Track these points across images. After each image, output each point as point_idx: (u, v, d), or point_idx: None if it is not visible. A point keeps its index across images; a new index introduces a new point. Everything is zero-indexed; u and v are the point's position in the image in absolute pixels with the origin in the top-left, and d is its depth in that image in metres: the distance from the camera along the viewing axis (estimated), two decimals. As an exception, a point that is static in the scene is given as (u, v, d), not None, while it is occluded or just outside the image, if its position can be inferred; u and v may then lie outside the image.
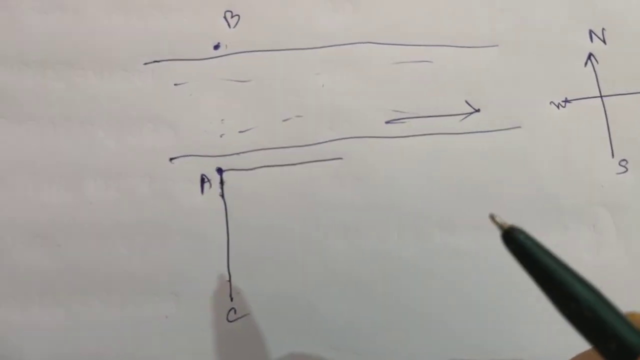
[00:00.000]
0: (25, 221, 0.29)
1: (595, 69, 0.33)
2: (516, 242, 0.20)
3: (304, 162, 0.30)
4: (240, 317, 0.29)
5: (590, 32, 0.33)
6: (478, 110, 0.32)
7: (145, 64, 0.30)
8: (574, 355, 0.23)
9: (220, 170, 0.30)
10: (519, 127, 0.32)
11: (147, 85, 0.30)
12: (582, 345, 0.19)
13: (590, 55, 0.33)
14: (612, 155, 0.33)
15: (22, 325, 0.28)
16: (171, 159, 0.30)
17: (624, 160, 0.33)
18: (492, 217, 0.21)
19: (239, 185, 0.30)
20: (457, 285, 0.30)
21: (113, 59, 0.30)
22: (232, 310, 0.29)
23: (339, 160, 0.31)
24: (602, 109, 0.33)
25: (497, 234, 0.29)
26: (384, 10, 0.32)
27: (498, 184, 0.32)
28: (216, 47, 0.31)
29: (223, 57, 0.31)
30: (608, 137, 0.33)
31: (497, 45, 0.33)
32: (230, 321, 0.29)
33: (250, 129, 0.30)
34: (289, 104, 0.31)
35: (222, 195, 0.30)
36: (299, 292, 0.30)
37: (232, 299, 0.29)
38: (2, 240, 0.28)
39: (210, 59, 0.30)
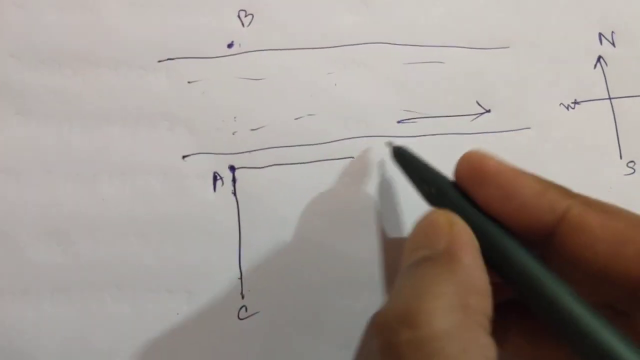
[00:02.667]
0: (40, 218, 0.29)
1: (605, 72, 0.33)
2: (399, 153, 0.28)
3: (316, 160, 0.31)
4: (251, 315, 0.29)
5: (600, 35, 0.34)
6: (489, 111, 0.32)
7: (160, 61, 0.30)
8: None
9: (232, 168, 0.30)
10: (529, 127, 0.32)
11: (161, 82, 0.30)
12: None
13: (599, 57, 0.34)
14: (620, 156, 0.33)
15: (35, 321, 0.28)
16: (184, 157, 0.30)
17: (632, 161, 0.33)
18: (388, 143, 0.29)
19: (251, 183, 0.30)
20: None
21: (128, 56, 0.30)
22: (244, 308, 0.29)
23: (351, 159, 0.31)
24: (611, 110, 0.33)
25: None
26: (397, 10, 0.32)
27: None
28: (230, 45, 0.31)
29: (236, 56, 0.31)
30: (616, 139, 0.33)
31: (508, 47, 0.33)
32: (242, 319, 0.29)
33: (262, 127, 0.30)
34: (301, 103, 0.31)
35: (234, 193, 0.30)
36: (311, 290, 0.30)
37: (243, 297, 0.29)
38: (16, 237, 0.28)
39: (224, 57, 0.31)
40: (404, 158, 0.28)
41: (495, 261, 0.20)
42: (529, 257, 0.20)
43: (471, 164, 0.22)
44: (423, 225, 0.21)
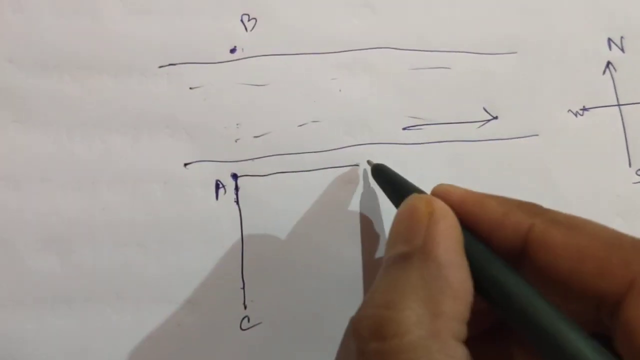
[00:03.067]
0: (39, 226, 0.28)
1: (614, 77, 0.33)
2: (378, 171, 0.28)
3: (320, 168, 0.30)
4: (253, 326, 0.29)
5: (609, 40, 0.33)
6: (496, 118, 0.32)
7: (161, 67, 0.30)
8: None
9: (235, 176, 0.30)
10: (537, 134, 0.32)
11: (162, 89, 0.29)
12: None
13: (608, 63, 0.33)
14: (629, 164, 0.33)
15: (34, 330, 0.28)
16: (186, 164, 0.29)
17: (640, 169, 0.33)
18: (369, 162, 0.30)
19: (254, 191, 0.29)
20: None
21: (129, 62, 0.29)
22: (246, 319, 0.29)
23: (355, 167, 0.30)
24: (620, 117, 0.33)
25: None
26: (402, 15, 0.32)
27: (514, 192, 0.31)
28: (232, 50, 0.30)
29: (239, 61, 0.30)
30: (625, 146, 0.33)
31: (515, 53, 0.32)
32: (244, 329, 0.29)
33: (265, 134, 0.30)
34: (305, 109, 0.30)
35: (237, 202, 0.29)
36: (314, 300, 0.29)
37: (245, 307, 0.29)
38: (16, 245, 0.28)
39: (227, 63, 0.30)
40: (383, 176, 0.28)
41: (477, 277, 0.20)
42: (507, 271, 0.20)
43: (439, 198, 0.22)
44: (402, 214, 0.21)
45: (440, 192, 0.22)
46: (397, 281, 0.19)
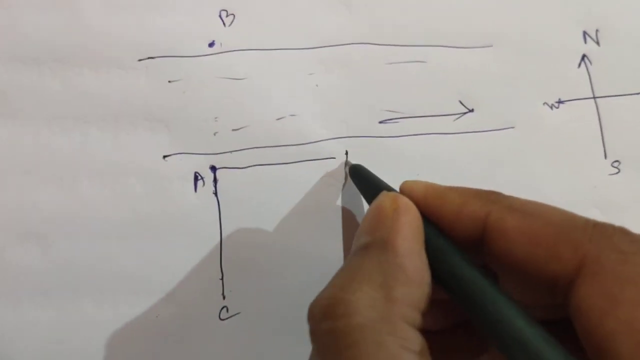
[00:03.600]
0: (18, 220, 0.28)
1: (589, 70, 0.33)
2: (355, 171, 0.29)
3: (298, 161, 0.31)
4: (232, 316, 0.29)
5: (584, 33, 0.33)
6: (472, 110, 0.32)
7: (140, 60, 0.30)
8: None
9: (213, 168, 0.30)
10: (513, 127, 0.32)
11: (141, 82, 0.30)
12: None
13: (583, 56, 0.33)
14: (605, 156, 0.33)
15: (13, 324, 0.28)
16: (164, 157, 0.30)
17: (616, 161, 0.33)
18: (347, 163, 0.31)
19: (232, 183, 0.30)
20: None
21: (107, 55, 0.30)
22: (225, 309, 0.29)
23: (332, 160, 0.31)
24: (595, 110, 0.33)
25: None
26: (377, 11, 0.32)
27: (491, 184, 0.31)
28: (211, 44, 0.31)
29: (217, 55, 0.30)
30: (601, 138, 0.33)
31: (491, 46, 0.33)
32: (223, 319, 0.29)
33: (244, 127, 0.30)
34: (282, 103, 0.31)
35: (216, 194, 0.30)
36: (292, 290, 0.30)
37: (224, 297, 0.29)
38: (-5, 238, 0.28)
39: (205, 57, 0.30)
40: (359, 176, 0.29)
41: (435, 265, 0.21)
42: (463, 261, 0.20)
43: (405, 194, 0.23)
44: (370, 210, 0.22)
45: (406, 189, 0.23)
46: (354, 267, 0.20)
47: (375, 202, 0.22)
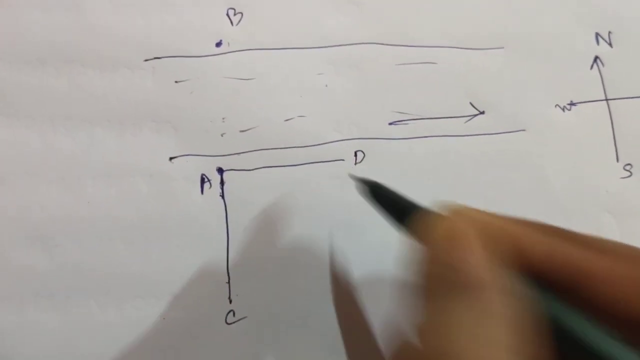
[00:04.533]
0: (23, 221, 0.28)
1: (601, 73, 0.33)
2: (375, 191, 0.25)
3: (306, 163, 0.30)
4: (239, 320, 0.29)
5: (597, 35, 0.33)
6: (483, 113, 0.32)
7: (146, 60, 0.29)
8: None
9: (220, 170, 0.29)
10: (524, 130, 0.32)
11: (148, 82, 0.29)
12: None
13: (596, 58, 0.33)
14: (617, 159, 0.32)
15: (18, 325, 0.28)
16: (171, 158, 0.29)
17: (628, 164, 0.32)
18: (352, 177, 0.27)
19: (239, 185, 0.29)
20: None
21: (114, 56, 0.29)
22: (231, 313, 0.29)
23: (341, 162, 0.30)
24: (608, 112, 0.33)
25: None
26: (388, 11, 0.31)
27: (502, 187, 0.31)
28: (218, 44, 0.30)
29: (225, 55, 0.30)
30: (613, 141, 0.33)
31: (502, 48, 0.32)
32: (229, 323, 0.29)
33: (251, 129, 0.30)
34: (291, 104, 0.30)
35: (223, 196, 0.29)
36: (299, 294, 0.29)
37: (230, 301, 0.29)
38: (0, 240, 0.28)
39: (212, 56, 0.30)
40: (381, 197, 0.25)
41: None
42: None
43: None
44: (437, 238, 0.19)
45: (458, 214, 0.19)
46: (450, 315, 0.17)
47: (443, 226, 0.19)
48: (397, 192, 0.24)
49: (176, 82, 0.30)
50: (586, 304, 0.18)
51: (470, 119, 0.32)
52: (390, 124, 0.31)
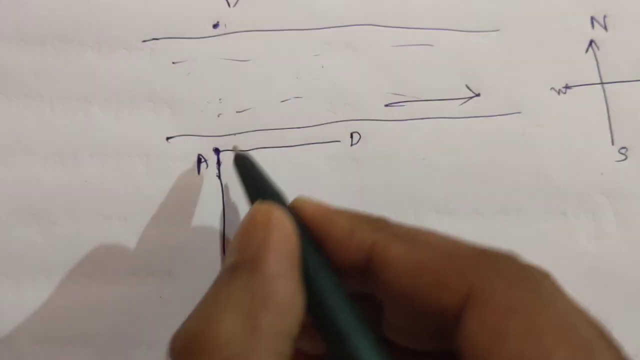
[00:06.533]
0: (20, 198, 0.28)
1: (597, 56, 0.33)
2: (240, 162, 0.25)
3: (302, 144, 0.30)
4: (235, 299, 0.29)
5: (592, 18, 0.33)
6: (478, 95, 0.32)
7: (144, 41, 0.30)
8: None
9: (217, 151, 0.30)
10: (519, 112, 0.32)
11: (145, 63, 0.30)
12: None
13: (591, 41, 0.33)
14: (612, 142, 0.33)
15: (14, 303, 0.28)
16: (168, 138, 0.29)
17: (623, 147, 0.33)
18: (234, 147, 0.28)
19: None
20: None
21: (112, 36, 0.29)
22: (227, 292, 0.29)
23: (337, 143, 0.30)
24: (603, 95, 0.33)
25: (497, 219, 0.29)
26: (385, -9, 0.32)
27: (497, 169, 0.32)
28: (215, 25, 0.30)
29: (222, 36, 0.30)
30: (608, 124, 0.33)
31: (498, 30, 0.32)
32: (225, 302, 0.29)
33: (248, 109, 0.30)
34: (287, 85, 0.30)
35: (219, 176, 0.30)
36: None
37: (227, 280, 0.29)
38: (-4, 216, 0.28)
39: (209, 38, 0.30)
40: (244, 169, 0.25)
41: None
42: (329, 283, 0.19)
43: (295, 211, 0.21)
44: (242, 223, 0.20)
45: (296, 206, 0.21)
46: (220, 293, 0.19)
47: (248, 213, 0.20)
48: (262, 173, 0.24)
49: (173, 63, 0.30)
50: (384, 286, 0.19)
51: (466, 101, 0.32)
52: (386, 105, 0.31)
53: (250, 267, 0.18)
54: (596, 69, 0.33)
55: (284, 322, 0.18)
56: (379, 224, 0.20)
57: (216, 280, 0.19)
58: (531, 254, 0.31)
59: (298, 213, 0.21)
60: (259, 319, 0.17)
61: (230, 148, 0.30)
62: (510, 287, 0.17)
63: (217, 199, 0.29)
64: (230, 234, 0.29)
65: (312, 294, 0.19)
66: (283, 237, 0.19)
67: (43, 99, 0.29)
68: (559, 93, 0.32)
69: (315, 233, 0.20)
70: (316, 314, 0.19)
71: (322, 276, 0.19)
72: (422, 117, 0.31)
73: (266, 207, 0.20)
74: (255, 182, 0.24)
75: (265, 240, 0.19)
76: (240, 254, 0.19)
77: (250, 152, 0.30)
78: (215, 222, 0.29)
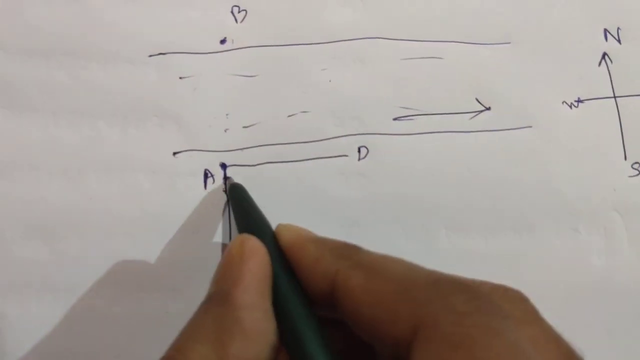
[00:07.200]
0: (26, 214, 0.28)
1: (610, 69, 0.32)
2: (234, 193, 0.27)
3: (309, 158, 0.30)
4: (241, 316, 0.29)
5: (605, 31, 0.33)
6: (488, 109, 0.31)
7: (150, 56, 0.29)
8: None
9: (224, 166, 0.29)
10: (530, 126, 0.31)
11: (152, 78, 0.29)
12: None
13: (604, 54, 0.32)
14: (625, 157, 0.32)
15: (20, 319, 0.28)
16: (174, 154, 0.29)
17: (636, 162, 0.32)
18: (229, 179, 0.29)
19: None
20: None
21: (118, 50, 0.29)
22: (234, 308, 0.29)
23: (345, 158, 0.30)
24: (616, 109, 0.32)
25: (508, 235, 0.29)
26: (393, 4, 0.31)
27: (507, 184, 0.31)
28: (222, 41, 0.30)
29: (229, 52, 0.30)
30: (621, 139, 0.32)
31: (509, 43, 0.32)
32: (231, 319, 0.29)
33: (255, 124, 0.30)
34: (294, 100, 0.30)
35: (226, 191, 0.29)
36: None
37: (233, 297, 0.29)
38: (2, 233, 0.28)
39: (216, 53, 0.30)
40: (237, 200, 0.27)
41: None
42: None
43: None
44: (223, 256, 0.21)
45: (277, 233, 0.22)
46: (194, 324, 0.19)
47: (229, 245, 0.21)
48: (250, 204, 0.26)
49: (180, 78, 0.30)
50: (346, 314, 0.19)
51: (476, 114, 0.31)
52: (394, 119, 0.31)
53: (221, 298, 0.20)
54: (609, 82, 0.32)
55: (253, 349, 0.19)
56: (345, 253, 0.20)
57: (195, 311, 0.20)
58: (542, 271, 0.31)
59: (278, 241, 0.22)
60: (226, 348, 0.18)
61: (237, 163, 0.29)
62: (458, 321, 0.16)
63: (223, 214, 0.29)
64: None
65: (283, 320, 0.20)
66: (255, 268, 0.20)
67: (48, 113, 0.29)
68: (571, 107, 0.32)
69: (290, 260, 0.21)
70: (287, 340, 0.20)
71: (292, 303, 0.20)
72: (431, 131, 0.31)
73: (241, 240, 0.21)
74: (243, 213, 0.25)
75: (237, 272, 0.20)
76: (215, 286, 0.21)
77: (257, 167, 0.30)
78: (222, 238, 0.29)
